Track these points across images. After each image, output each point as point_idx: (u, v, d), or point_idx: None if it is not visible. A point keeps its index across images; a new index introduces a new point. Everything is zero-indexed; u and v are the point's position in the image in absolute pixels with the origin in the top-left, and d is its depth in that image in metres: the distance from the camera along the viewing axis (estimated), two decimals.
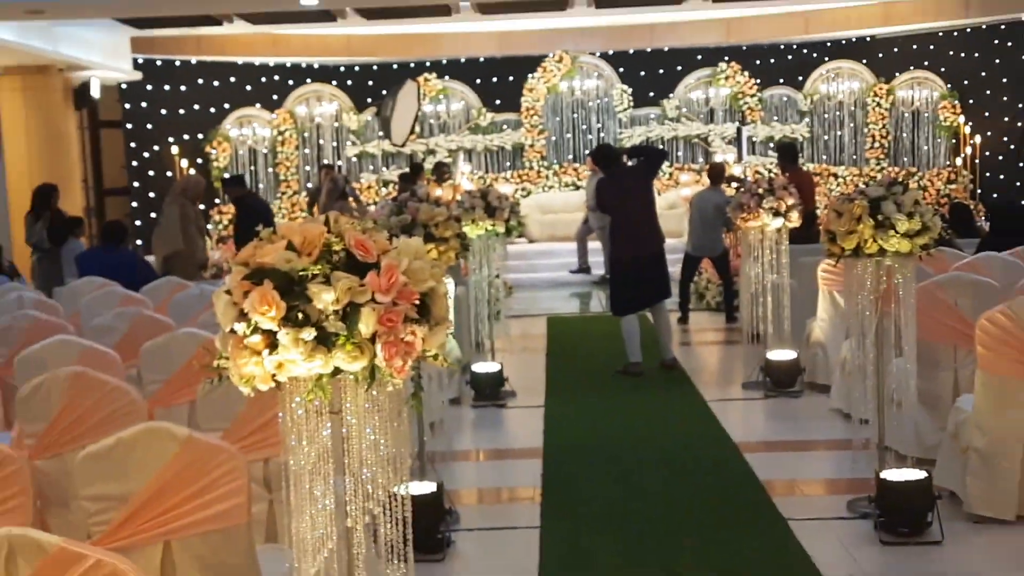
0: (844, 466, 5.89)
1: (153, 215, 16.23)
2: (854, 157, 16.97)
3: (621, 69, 17.37)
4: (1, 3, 10.01)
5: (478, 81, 17.56)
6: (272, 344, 2.40)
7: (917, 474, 4.78)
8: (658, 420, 7.15)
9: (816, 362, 7.72)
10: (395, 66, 17.24)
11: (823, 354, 7.64)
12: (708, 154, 16.64)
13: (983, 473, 4.90)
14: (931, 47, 16.72)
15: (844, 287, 5.45)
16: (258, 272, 2.43)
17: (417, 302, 2.51)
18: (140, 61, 15.69)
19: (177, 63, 16.43)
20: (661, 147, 11.99)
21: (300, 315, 2.41)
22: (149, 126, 16.34)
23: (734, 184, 11.35)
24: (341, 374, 2.47)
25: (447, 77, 17.37)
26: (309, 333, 2.40)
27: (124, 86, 15.93)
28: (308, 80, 17.30)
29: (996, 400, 4.90)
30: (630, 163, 8.76)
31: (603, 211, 9.24)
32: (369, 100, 16.92)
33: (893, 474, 4.81)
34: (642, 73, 17.49)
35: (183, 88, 16.58)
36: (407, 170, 13.70)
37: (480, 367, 7.82)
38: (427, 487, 4.85)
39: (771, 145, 16.38)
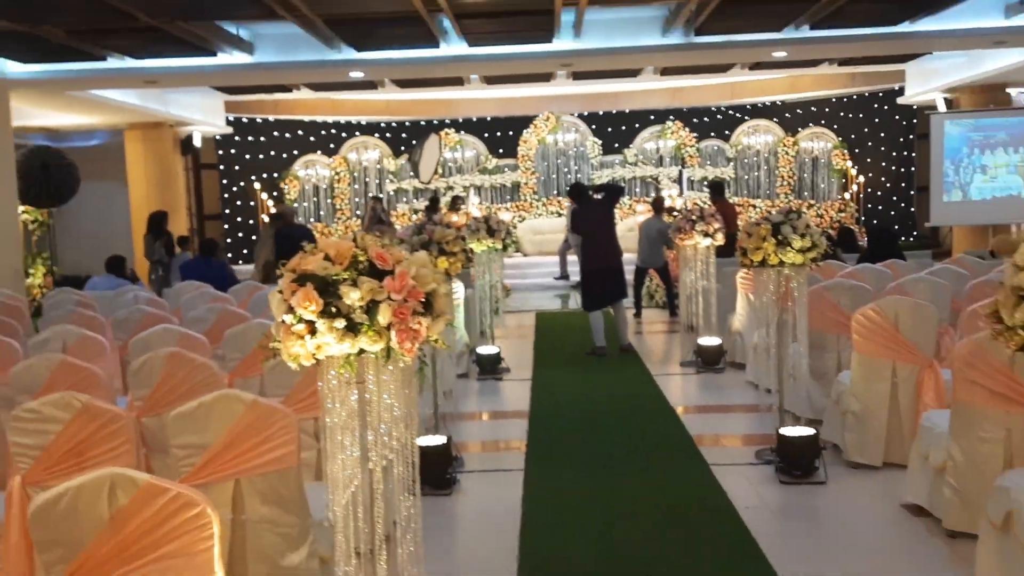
0: (753, 425, 5.90)
1: (240, 235, 16.26)
2: (768, 192, 16.89)
3: (593, 126, 17.32)
4: (127, 76, 9.97)
5: (485, 134, 17.52)
6: (312, 331, 2.40)
7: (807, 431, 4.78)
8: (616, 389, 7.13)
9: (735, 346, 7.70)
10: (423, 123, 17.20)
11: (740, 340, 7.63)
12: (658, 190, 16.62)
13: (857, 430, 4.89)
14: (826, 109, 16.67)
15: (754, 290, 5.45)
16: (302, 276, 2.43)
17: (423, 300, 2.51)
18: (231, 119, 15.66)
19: (259, 120, 16.40)
20: (621, 185, 11.90)
21: (334, 309, 2.41)
22: (238, 167, 16.30)
23: (673, 213, 11.31)
24: (364, 353, 2.47)
25: (462, 132, 17.33)
26: (340, 323, 2.40)
27: (219, 137, 15.91)
28: (357, 133, 17.26)
29: (866, 375, 4.89)
30: (597, 196, 8.74)
31: (576, 233, 9.18)
32: (403, 148, 16.90)
33: (789, 431, 4.80)
34: (609, 129, 17.44)
35: (263, 139, 16.54)
36: (429, 202, 13.65)
37: (483, 350, 7.81)
38: (439, 439, 4.85)
39: (705, 183, 16.33)
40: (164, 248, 9.04)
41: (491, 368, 7.72)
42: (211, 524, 2.13)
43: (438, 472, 4.76)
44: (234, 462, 3.02)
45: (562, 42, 9.32)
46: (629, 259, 10.15)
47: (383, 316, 2.42)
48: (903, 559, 3.79)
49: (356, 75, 10.30)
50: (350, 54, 9.43)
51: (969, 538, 3.70)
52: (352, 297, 2.40)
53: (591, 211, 8.47)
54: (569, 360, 8.35)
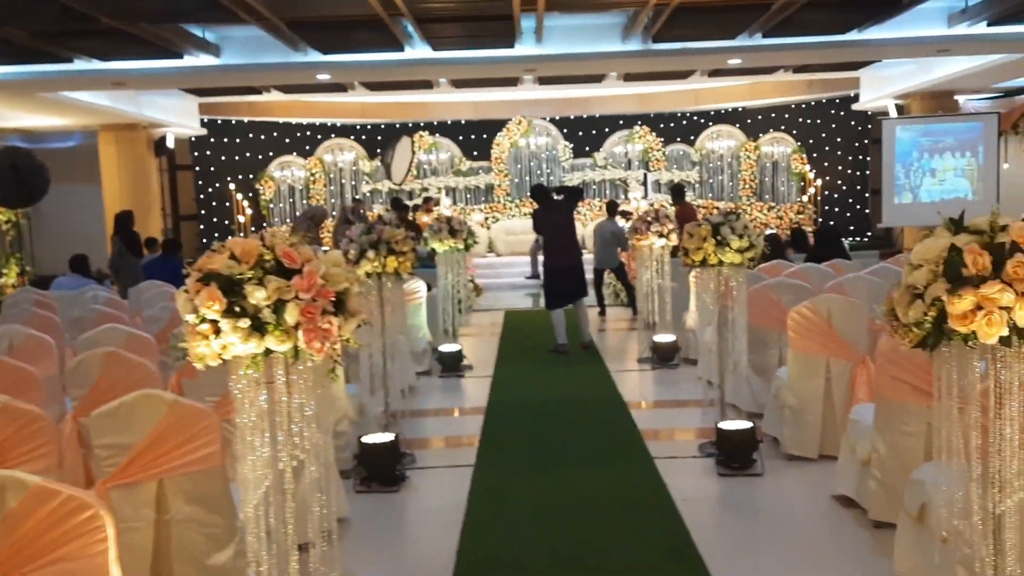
0: (700, 419, 5.84)
1: (216, 235, 16.00)
2: (731, 195, 16.94)
3: (564, 130, 17.28)
4: (94, 77, 9.78)
5: (460, 137, 17.42)
6: (217, 331, 2.32)
7: (745, 424, 4.75)
8: (573, 385, 7.08)
9: (689, 343, 7.68)
10: (397, 125, 17.05)
11: (694, 337, 7.59)
12: (626, 192, 16.62)
13: (793, 424, 4.87)
14: (785, 115, 16.71)
15: (695, 286, 5.42)
16: (207, 276, 2.35)
17: (333, 299, 2.43)
18: (206, 120, 15.45)
19: (233, 122, 16.19)
20: (580, 187, 11.76)
21: (239, 309, 2.33)
22: (213, 169, 16.07)
23: (625, 215, 11.29)
24: (272, 353, 2.40)
25: (437, 134, 17.23)
26: (245, 322, 2.32)
27: (194, 139, 15.69)
28: (332, 135, 17.09)
29: (802, 371, 4.87)
30: (558, 198, 8.68)
31: (537, 233, 9.04)
32: (378, 151, 16.76)
33: (728, 424, 4.77)
34: (579, 133, 17.40)
35: (238, 141, 16.34)
36: (392, 204, 13.54)
37: (445, 348, 7.73)
38: (387, 437, 4.76)
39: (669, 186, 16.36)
40: (129, 248, 8.86)
41: (453, 366, 7.64)
42: (105, 527, 2.04)
43: (386, 469, 4.68)
44: (157, 462, 2.94)
45: (524, 47, 9.26)
46: (589, 259, 10.12)
47: (290, 315, 2.34)
48: (831, 549, 3.75)
49: (323, 77, 10.17)
50: (315, 57, 9.30)
51: (893, 528, 3.68)
52: (257, 296, 2.32)
53: (552, 212, 8.41)
54: (532, 357, 8.29)
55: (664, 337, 7.69)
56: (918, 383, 3.61)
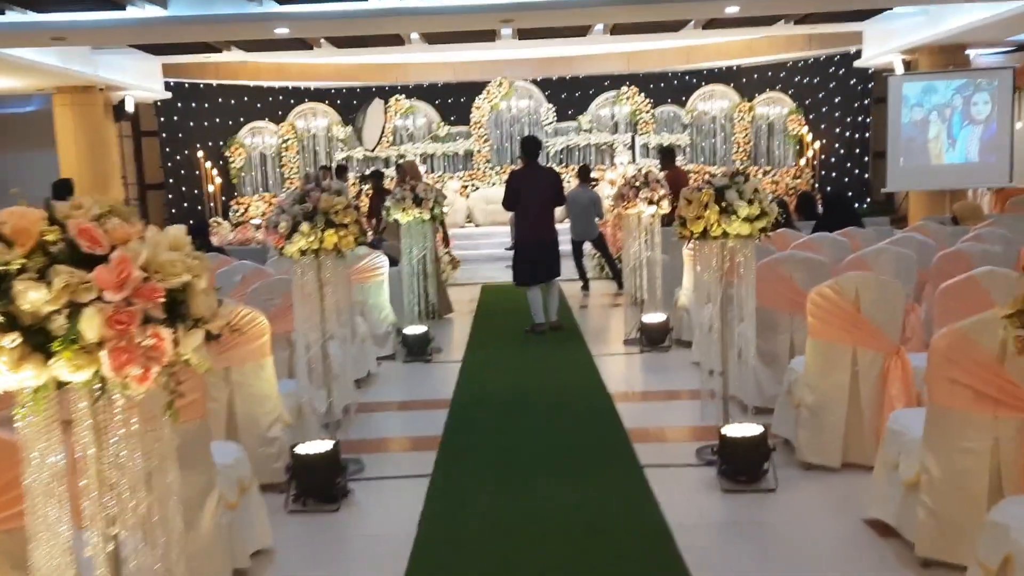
0: (697, 414, 4.92)
1: (185, 205, 15.03)
2: (724, 159, 16.06)
3: (547, 92, 16.32)
4: (31, 32, 8.77)
5: (437, 101, 16.43)
6: None
7: (754, 429, 3.93)
8: (550, 372, 6.27)
9: (682, 323, 6.86)
10: (374, 89, 16.01)
11: (687, 316, 6.79)
12: (612, 157, 15.71)
13: (812, 426, 4.06)
14: (782, 74, 15.78)
15: (695, 263, 4.60)
16: None
17: (163, 300, 1.58)
18: (172, 83, 14.40)
19: (201, 85, 15.13)
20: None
21: (2, 318, 1.47)
22: (180, 135, 15.04)
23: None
24: (68, 385, 1.55)
25: (414, 98, 16.25)
26: (12, 339, 1.47)
27: (159, 103, 14.64)
28: (305, 99, 16.07)
29: (822, 363, 4.05)
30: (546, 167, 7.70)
31: (508, 204, 7.49)
32: (350, 116, 15.76)
33: (733, 430, 3.95)
34: (563, 95, 16.44)
35: (206, 105, 15.30)
36: (376, 169, 12.55)
37: (410, 329, 6.89)
38: (324, 446, 3.93)
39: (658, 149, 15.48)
40: None
41: (419, 350, 6.81)
42: None
43: (324, 483, 3.86)
44: None
45: None
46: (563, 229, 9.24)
47: (88, 326, 1.49)
48: None
49: (282, 31, 9.18)
50: (272, 7, 8.31)
51: (947, 568, 2.90)
52: (32, 298, 1.47)
53: (536, 178, 7.47)
54: (507, 338, 7.48)
55: (654, 317, 6.88)
56: (984, 388, 2.80)
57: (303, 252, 3.89)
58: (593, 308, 9.06)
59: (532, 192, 7.37)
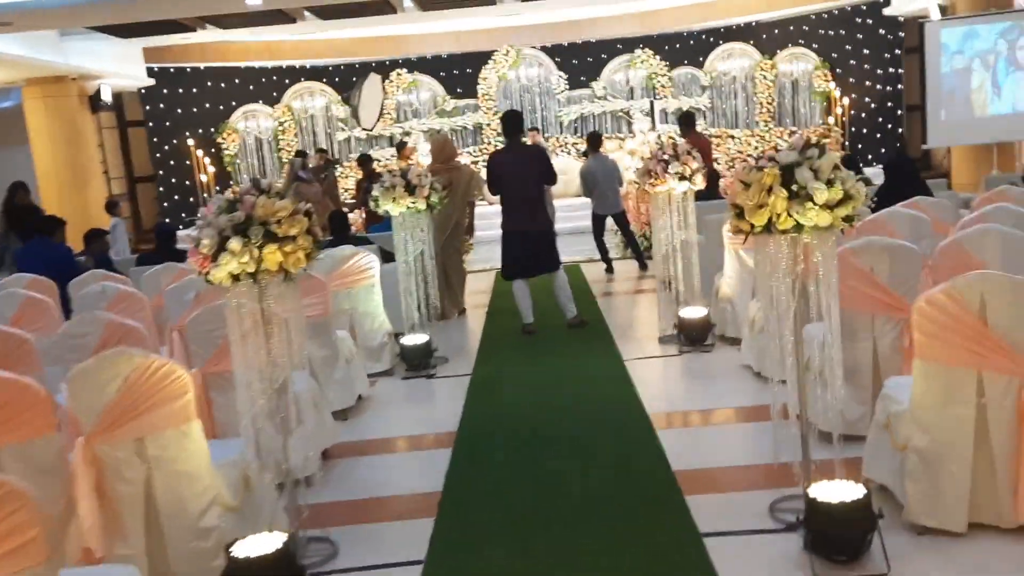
0: (763, 444, 3.94)
1: (176, 197, 14.06)
2: (747, 121, 14.83)
3: (557, 59, 15.12)
4: None
5: (442, 74, 15.30)
6: None
7: (857, 491, 2.85)
8: (574, 387, 5.20)
9: (725, 317, 5.79)
10: (372, 64, 14.91)
11: (731, 309, 5.72)
12: (630, 124, 14.53)
13: (926, 478, 2.99)
14: (805, 28, 14.48)
15: (755, 266, 3.53)
16: None
17: None
18: (155, 69, 13.36)
19: (188, 69, 14.09)
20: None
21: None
22: (168, 123, 14.04)
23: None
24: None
25: (416, 72, 15.11)
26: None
27: (144, 91, 13.62)
28: (301, 79, 15.00)
29: (940, 395, 2.98)
30: (526, 142, 6.61)
31: (492, 188, 6.52)
32: (345, 94, 14.67)
33: (824, 491, 2.89)
34: (574, 61, 15.24)
35: (195, 90, 14.26)
36: (368, 153, 11.46)
37: (409, 339, 5.85)
38: (277, 540, 2.88)
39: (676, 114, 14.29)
40: (12, 228, 6.94)
41: (421, 362, 5.79)
42: None
43: None
44: None
45: None
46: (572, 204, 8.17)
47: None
48: None
49: (253, 2, 8.08)
50: None
51: None
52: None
53: (519, 160, 6.38)
54: (522, 341, 6.42)
55: (693, 311, 5.81)
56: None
57: (235, 277, 2.85)
58: (618, 296, 7.99)
59: (513, 176, 6.31)
